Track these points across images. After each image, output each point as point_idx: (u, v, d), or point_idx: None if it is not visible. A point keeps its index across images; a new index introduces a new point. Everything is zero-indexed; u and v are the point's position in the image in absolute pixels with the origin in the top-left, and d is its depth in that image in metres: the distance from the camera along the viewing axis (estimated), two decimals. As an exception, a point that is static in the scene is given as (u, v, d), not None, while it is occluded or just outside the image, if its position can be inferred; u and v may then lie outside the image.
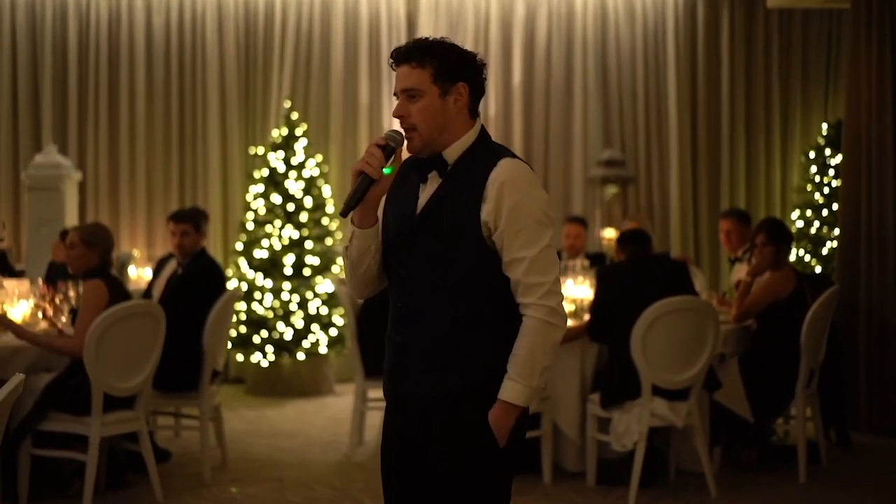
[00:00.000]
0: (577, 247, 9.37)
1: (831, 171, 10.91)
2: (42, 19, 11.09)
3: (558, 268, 3.29)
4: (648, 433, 6.49)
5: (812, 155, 11.16)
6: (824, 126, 11.22)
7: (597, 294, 6.80)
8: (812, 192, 11.04)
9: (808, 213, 10.81)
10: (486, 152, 3.29)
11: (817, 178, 11.07)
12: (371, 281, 3.49)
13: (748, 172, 11.40)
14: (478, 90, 3.32)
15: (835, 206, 10.79)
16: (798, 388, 7.04)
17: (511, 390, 3.20)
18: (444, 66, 3.24)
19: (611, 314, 6.64)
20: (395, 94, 3.31)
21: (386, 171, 3.25)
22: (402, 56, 3.26)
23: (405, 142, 3.29)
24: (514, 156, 3.30)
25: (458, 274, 3.24)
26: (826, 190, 10.98)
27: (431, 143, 3.28)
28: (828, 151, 11.00)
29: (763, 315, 7.12)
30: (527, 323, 3.21)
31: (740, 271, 8.06)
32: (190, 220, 7.50)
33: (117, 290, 6.42)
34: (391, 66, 3.32)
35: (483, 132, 3.36)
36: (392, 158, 3.27)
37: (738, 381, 7.01)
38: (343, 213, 3.24)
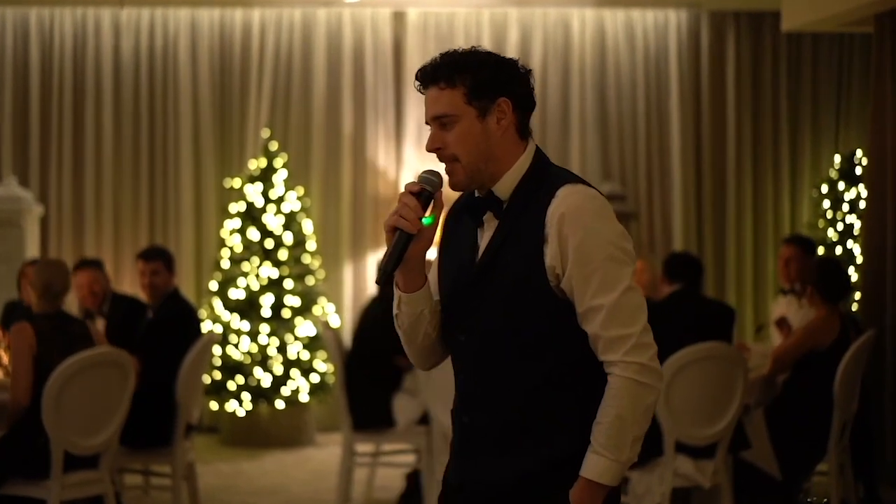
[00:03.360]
0: None
1: (845, 206, 10.45)
2: (1, 40, 10.50)
3: (646, 314, 2.72)
4: (672, 494, 5.96)
5: (824, 189, 10.68)
6: (837, 158, 10.74)
7: None
8: (825, 229, 10.57)
9: (821, 250, 10.31)
10: (545, 180, 2.78)
11: (830, 214, 10.59)
12: (433, 350, 2.98)
13: (755, 207, 10.90)
14: (524, 104, 2.83)
15: (849, 244, 10.32)
16: (831, 442, 6.52)
17: (595, 466, 2.68)
18: (478, 82, 2.75)
19: None
20: (426, 123, 2.83)
21: (425, 221, 2.79)
22: (427, 76, 2.79)
23: (444, 180, 2.81)
24: (577, 180, 2.79)
25: (527, 334, 2.74)
26: (840, 226, 10.50)
27: (477, 177, 2.80)
28: (841, 185, 10.52)
29: (796, 362, 6.60)
30: (612, 384, 2.69)
31: (786, 306, 7.51)
32: (161, 257, 7.00)
33: (48, 334, 5.78)
34: (418, 90, 2.84)
35: (539, 155, 2.87)
36: (431, 205, 2.80)
37: (764, 434, 6.51)
38: (378, 281, 2.79)
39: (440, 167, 2.86)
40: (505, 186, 2.81)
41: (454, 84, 2.76)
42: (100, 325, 7.15)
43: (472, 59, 2.77)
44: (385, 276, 2.79)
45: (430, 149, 2.82)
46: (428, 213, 2.80)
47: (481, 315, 2.80)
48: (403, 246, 2.77)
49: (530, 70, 2.86)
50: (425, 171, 2.82)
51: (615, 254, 2.69)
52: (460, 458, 2.92)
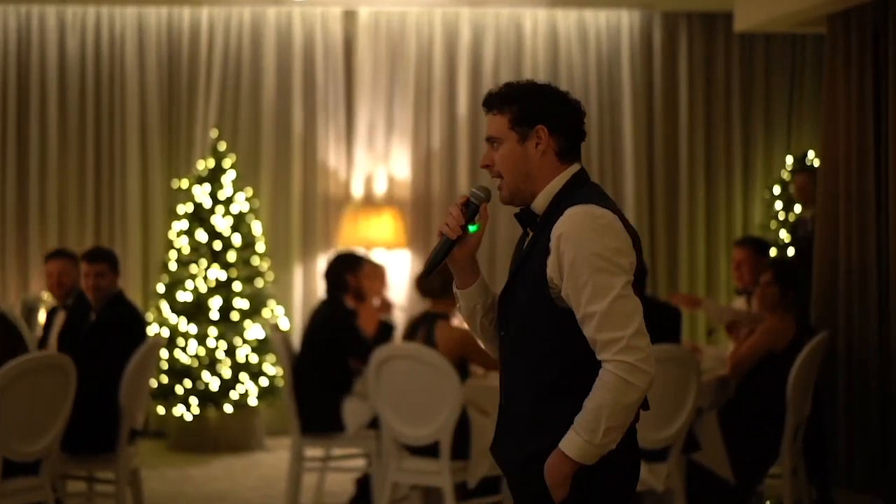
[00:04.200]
0: None
1: (797, 208, 10.43)
2: (-59, 39, 10.30)
3: (639, 319, 3.03)
4: None
5: (777, 190, 10.66)
6: (789, 159, 10.72)
7: None
8: (777, 230, 10.55)
9: (773, 251, 10.28)
10: (567, 200, 3.12)
11: (782, 216, 10.56)
12: (492, 339, 3.39)
13: (708, 208, 10.87)
14: (563, 130, 3.18)
15: (802, 245, 10.32)
16: (784, 445, 6.50)
17: (570, 442, 3.02)
18: (522, 111, 3.16)
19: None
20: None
21: (471, 228, 3.22)
22: (486, 103, 3.25)
23: (491, 195, 3.24)
24: (591, 200, 3.09)
25: (537, 338, 3.15)
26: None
27: (518, 193, 3.20)
28: (793, 187, 10.49)
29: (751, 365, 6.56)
30: (601, 377, 3.02)
31: (739, 307, 7.47)
32: (106, 259, 6.83)
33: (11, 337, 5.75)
34: (485, 113, 3.28)
35: (576, 176, 3.21)
36: (477, 216, 3.21)
37: (717, 437, 6.46)
38: (421, 277, 3.49)
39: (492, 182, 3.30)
40: (539, 203, 3.19)
41: (503, 111, 3.17)
42: (61, 319, 7.03)
43: (520, 91, 3.18)
44: (427, 273, 3.28)
45: (482, 165, 3.25)
46: (476, 220, 3.21)
47: (509, 318, 3.24)
48: (447, 249, 3.23)
49: (577, 102, 3.23)
50: (476, 186, 3.22)
51: (603, 265, 2.98)
52: (496, 434, 3.32)
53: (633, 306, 3.01)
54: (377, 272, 7.82)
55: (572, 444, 3.00)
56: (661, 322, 6.23)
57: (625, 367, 2.98)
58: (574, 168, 3.20)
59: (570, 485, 3.03)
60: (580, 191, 3.15)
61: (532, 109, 3.16)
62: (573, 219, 3.04)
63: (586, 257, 2.99)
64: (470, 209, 3.21)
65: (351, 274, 7.43)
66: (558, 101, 3.19)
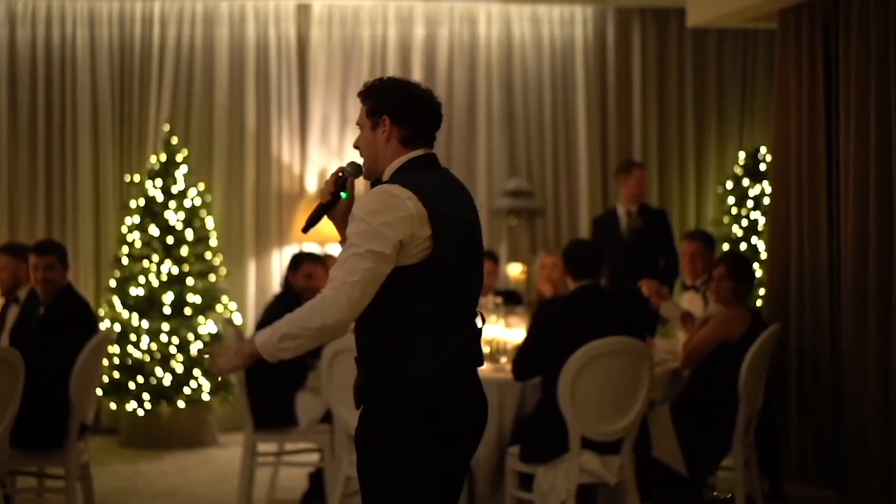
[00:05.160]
0: (488, 284, 8.72)
1: (750, 203, 10.50)
2: None
3: (363, 278, 3.52)
4: (577, 491, 5.86)
5: (729, 185, 10.71)
6: (741, 154, 10.78)
7: (532, 329, 6.10)
8: (729, 225, 10.61)
9: (726, 246, 10.34)
10: (394, 178, 3.66)
11: (734, 210, 10.62)
12: None
13: (661, 203, 10.88)
14: (405, 122, 3.70)
15: (754, 240, 10.38)
16: (736, 437, 6.50)
17: (262, 333, 3.61)
18: (374, 104, 3.73)
19: (543, 353, 5.96)
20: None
21: (343, 195, 3.84)
22: (358, 95, 3.83)
23: (360, 171, 3.85)
24: (396, 181, 3.62)
25: None
26: (745, 222, 10.55)
27: (371, 171, 3.79)
28: (745, 182, 10.57)
29: (705, 356, 6.56)
30: (311, 300, 3.60)
31: (690, 302, 7.47)
32: (55, 251, 6.74)
33: None
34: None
35: (412, 161, 3.70)
36: (346, 185, 3.85)
37: (670, 430, 6.46)
38: (303, 231, 3.86)
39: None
40: (383, 180, 3.73)
41: (364, 103, 3.76)
42: (14, 314, 6.98)
43: (376, 87, 3.76)
44: (305, 229, 3.83)
45: (354, 145, 3.84)
46: (346, 190, 3.85)
47: None
48: (322, 212, 3.84)
49: (427, 96, 3.74)
50: (349, 163, 3.86)
51: (363, 228, 3.53)
52: None
53: (361, 265, 3.51)
54: (328, 266, 7.78)
55: (262, 335, 3.59)
56: (619, 316, 6.20)
57: (325, 298, 3.51)
58: (415, 153, 3.71)
59: (239, 364, 3.68)
60: (408, 172, 3.66)
61: (381, 103, 3.71)
62: (371, 191, 3.63)
63: (357, 216, 3.57)
64: (341, 180, 3.85)
65: (290, 274, 7.44)
66: (404, 97, 3.71)
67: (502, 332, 6.92)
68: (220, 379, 3.84)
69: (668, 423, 6.46)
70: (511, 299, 8.32)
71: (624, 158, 10.25)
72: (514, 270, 9.86)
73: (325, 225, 10.28)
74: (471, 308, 3.77)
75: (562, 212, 10.89)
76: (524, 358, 6.04)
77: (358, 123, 3.79)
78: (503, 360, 6.71)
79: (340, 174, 3.84)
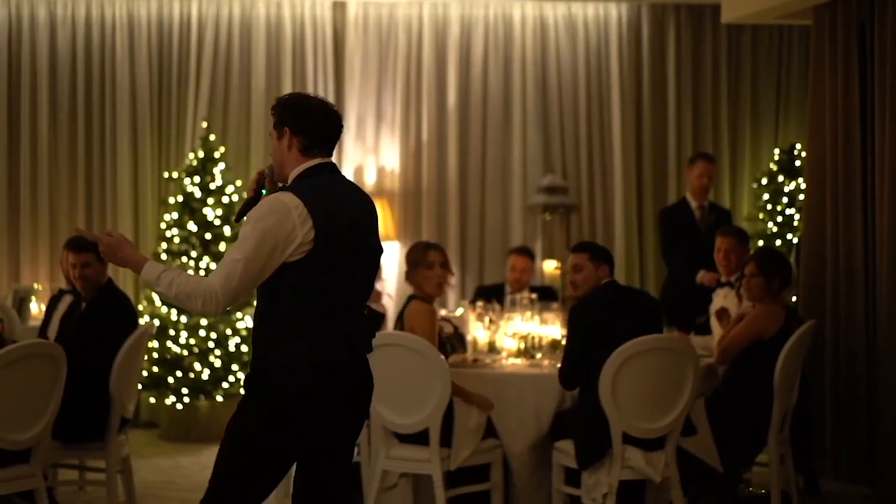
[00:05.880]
0: (524, 281, 8.76)
1: (785, 199, 10.46)
2: (-67, 34, 10.28)
3: (240, 280, 3.94)
4: (623, 489, 5.91)
5: (764, 182, 10.68)
6: (776, 151, 10.75)
7: (569, 337, 6.14)
8: (765, 221, 10.57)
9: (761, 243, 10.32)
10: (292, 185, 4.10)
11: (769, 207, 10.58)
12: None
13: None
14: (304, 133, 4.11)
15: (789, 236, 10.34)
16: (771, 433, 6.50)
17: (149, 270, 4.04)
18: (278, 116, 4.17)
19: (585, 358, 5.98)
20: None
21: (264, 192, 4.23)
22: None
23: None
24: (293, 189, 4.03)
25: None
26: (780, 218, 10.50)
27: (280, 176, 4.20)
28: (780, 178, 10.53)
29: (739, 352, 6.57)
30: (199, 277, 4.03)
31: (725, 298, 7.46)
32: (92, 248, 6.76)
33: None
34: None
35: (311, 169, 4.11)
36: (265, 184, 4.24)
37: (705, 425, 6.45)
38: (236, 220, 4.22)
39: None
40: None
41: (273, 115, 4.20)
42: (66, 303, 7.07)
43: (282, 101, 4.21)
44: (237, 220, 4.20)
45: (270, 153, 4.26)
46: (266, 188, 4.24)
47: None
48: (246, 206, 4.18)
49: (323, 108, 4.18)
50: (269, 165, 4.24)
51: (248, 231, 3.95)
52: None
53: (244, 269, 3.92)
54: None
55: (150, 272, 4.01)
56: (637, 310, 6.23)
57: (209, 291, 3.92)
58: (313, 162, 4.12)
59: (116, 255, 4.07)
60: (304, 180, 4.08)
61: (284, 116, 4.14)
62: (266, 198, 4.05)
63: (249, 219, 3.99)
64: (262, 180, 4.25)
65: None
66: (303, 110, 4.14)
67: (537, 328, 6.95)
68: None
69: (702, 419, 6.46)
70: (546, 295, 8.35)
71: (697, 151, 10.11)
72: (549, 266, 9.88)
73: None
74: (355, 302, 4.16)
75: (596, 208, 10.90)
76: (569, 367, 6.07)
77: (269, 134, 4.23)
78: (538, 355, 6.76)
79: (261, 175, 4.26)
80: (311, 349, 3.99)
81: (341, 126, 4.23)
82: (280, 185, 4.17)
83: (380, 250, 4.30)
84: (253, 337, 4.12)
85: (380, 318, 7.49)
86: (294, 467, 4.22)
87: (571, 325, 6.15)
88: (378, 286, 8.15)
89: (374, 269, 4.26)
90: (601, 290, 6.18)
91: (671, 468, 6.00)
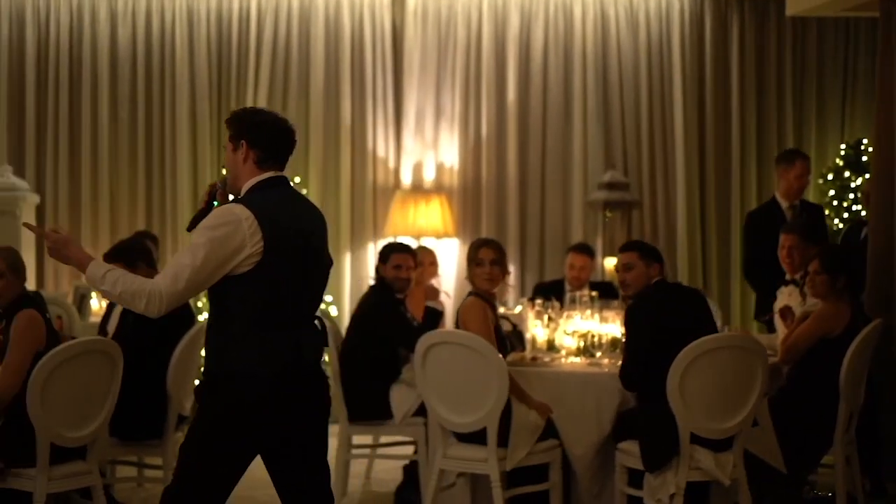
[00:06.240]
0: (583, 279, 8.65)
1: (851, 195, 10.28)
2: (-4, 29, 10.37)
3: (186, 283, 4.02)
4: (689, 490, 5.78)
5: (830, 177, 10.51)
6: (842, 146, 10.58)
7: (628, 339, 6.05)
8: (831, 217, 10.40)
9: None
10: (244, 197, 4.19)
11: (836, 203, 10.41)
12: None
13: (760, 196, 10.72)
14: (259, 146, 4.19)
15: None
16: (837, 434, 6.36)
17: (94, 269, 4.10)
18: (234, 129, 4.24)
19: (647, 359, 5.89)
20: None
21: (215, 203, 4.29)
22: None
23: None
24: (244, 202, 4.12)
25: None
26: (846, 214, 10.33)
27: (233, 188, 4.27)
28: (847, 173, 10.37)
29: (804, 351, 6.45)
30: (146, 279, 4.10)
31: (789, 297, 7.31)
32: (122, 258, 6.64)
33: (48, 324, 5.73)
34: None
35: (264, 181, 4.19)
36: (217, 196, 4.32)
37: (769, 426, 6.32)
38: (188, 230, 4.26)
39: None
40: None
41: (229, 127, 4.27)
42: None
43: (237, 115, 4.28)
44: (189, 230, 4.24)
45: (223, 166, 4.58)
46: (217, 199, 4.32)
47: None
48: (199, 216, 4.23)
49: (280, 121, 4.26)
50: (223, 177, 4.34)
51: (198, 237, 4.04)
52: None
53: (189, 276, 4.01)
54: (427, 258, 7.78)
55: (94, 271, 4.08)
56: (691, 308, 6.13)
57: (153, 292, 4.02)
58: (267, 175, 4.20)
59: (61, 253, 4.14)
60: (257, 192, 4.16)
61: (239, 129, 4.22)
62: (218, 208, 4.16)
63: (200, 227, 4.07)
64: (214, 192, 4.33)
65: (381, 265, 7.40)
66: (258, 124, 4.22)
67: (596, 326, 6.85)
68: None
69: (766, 419, 6.34)
70: (606, 291, 8.24)
71: (786, 148, 9.87)
72: (610, 264, 9.78)
73: (419, 217, 10.31)
74: (305, 313, 4.25)
75: (658, 204, 10.78)
76: (630, 368, 5.99)
77: (224, 146, 4.31)
78: (598, 354, 6.66)
79: (214, 187, 4.36)
80: (259, 358, 4.10)
81: (295, 141, 4.31)
82: (232, 197, 4.27)
83: (329, 263, 4.39)
84: (206, 346, 4.23)
85: (438, 315, 7.43)
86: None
87: (629, 325, 6.07)
88: (434, 283, 8.09)
89: (324, 281, 4.37)
90: (653, 290, 6.09)
91: (739, 469, 5.89)
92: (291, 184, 4.34)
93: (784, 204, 8.39)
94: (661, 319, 5.95)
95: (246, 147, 4.19)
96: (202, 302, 9.73)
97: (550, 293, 8.09)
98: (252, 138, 4.20)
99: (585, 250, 8.84)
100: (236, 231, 4.03)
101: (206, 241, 4.02)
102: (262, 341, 4.10)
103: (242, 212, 4.05)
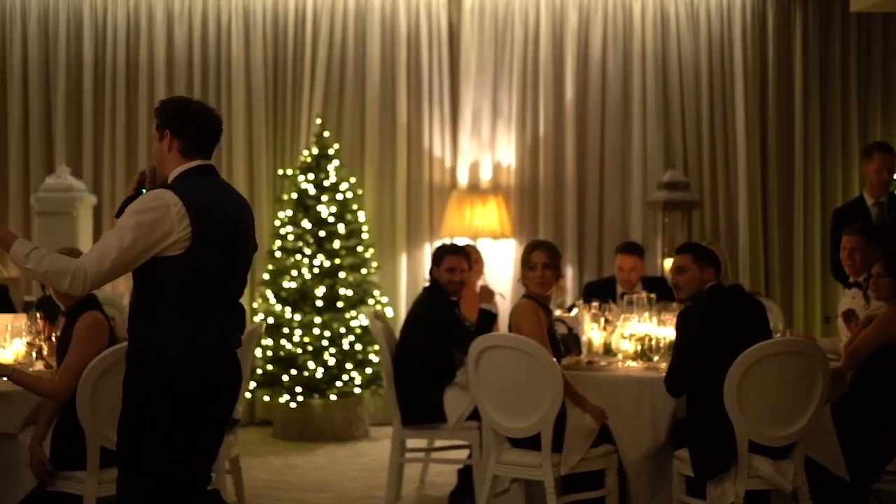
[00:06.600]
0: (633, 280, 8.52)
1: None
2: (55, 31, 10.40)
3: (112, 263, 4.15)
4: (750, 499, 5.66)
5: (896, 176, 10.28)
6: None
7: (680, 343, 5.91)
8: (896, 217, 10.17)
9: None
10: (172, 185, 4.29)
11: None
12: None
13: (824, 195, 10.55)
14: (184, 135, 4.32)
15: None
16: (902, 440, 6.19)
17: (19, 247, 4.19)
18: (160, 119, 4.38)
19: (697, 365, 5.75)
20: None
21: (144, 191, 4.37)
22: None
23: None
24: (172, 187, 4.24)
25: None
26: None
27: (160, 176, 4.40)
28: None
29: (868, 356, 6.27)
30: (69, 259, 4.20)
31: (853, 300, 7.12)
32: None
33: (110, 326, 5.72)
34: None
35: (190, 169, 4.31)
36: (146, 184, 4.42)
37: (832, 432, 6.16)
38: (116, 216, 4.35)
39: None
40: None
41: (156, 117, 4.41)
42: None
43: (164, 105, 4.42)
44: (116, 216, 4.33)
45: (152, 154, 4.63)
46: (146, 187, 4.40)
47: None
48: (126, 203, 4.32)
49: (205, 111, 4.42)
50: (151, 166, 4.43)
51: (123, 220, 4.18)
52: None
53: (115, 257, 4.13)
54: (472, 256, 7.68)
55: (19, 249, 4.17)
56: (747, 313, 5.98)
57: (78, 272, 4.11)
58: (193, 163, 4.32)
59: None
60: (183, 180, 4.28)
61: (165, 119, 4.34)
62: (147, 193, 4.28)
63: (128, 211, 4.20)
64: (143, 179, 4.43)
65: (434, 267, 7.32)
66: (183, 115, 4.34)
67: (655, 329, 6.71)
68: None
69: (829, 426, 6.19)
70: (660, 289, 8.11)
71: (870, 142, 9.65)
72: (669, 264, 9.62)
73: (475, 217, 10.20)
74: (229, 298, 4.37)
75: (719, 205, 10.60)
76: (676, 374, 5.85)
77: (152, 136, 4.50)
78: (656, 358, 6.52)
79: (143, 175, 4.45)
80: (186, 341, 4.20)
81: (221, 131, 4.44)
82: (160, 185, 4.36)
83: (254, 249, 4.53)
84: (131, 331, 4.31)
85: (492, 318, 7.33)
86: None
87: (680, 329, 5.92)
88: (485, 283, 8.00)
89: (247, 267, 4.48)
90: (708, 294, 5.95)
91: (800, 477, 5.75)
92: (218, 172, 4.46)
93: (869, 201, 8.19)
94: (716, 324, 5.82)
95: (170, 137, 4.32)
96: (258, 303, 9.72)
97: (602, 291, 8.00)
98: (176, 128, 4.32)
99: (634, 250, 8.68)
100: (164, 216, 4.15)
101: (135, 225, 4.13)
102: (190, 325, 4.21)
103: (171, 197, 4.18)
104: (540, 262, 6.31)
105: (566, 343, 6.88)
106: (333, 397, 9.44)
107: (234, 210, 4.37)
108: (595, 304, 7.10)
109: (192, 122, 4.35)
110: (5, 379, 5.49)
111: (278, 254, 9.69)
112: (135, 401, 4.27)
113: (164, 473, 4.25)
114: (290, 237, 9.67)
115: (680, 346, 5.89)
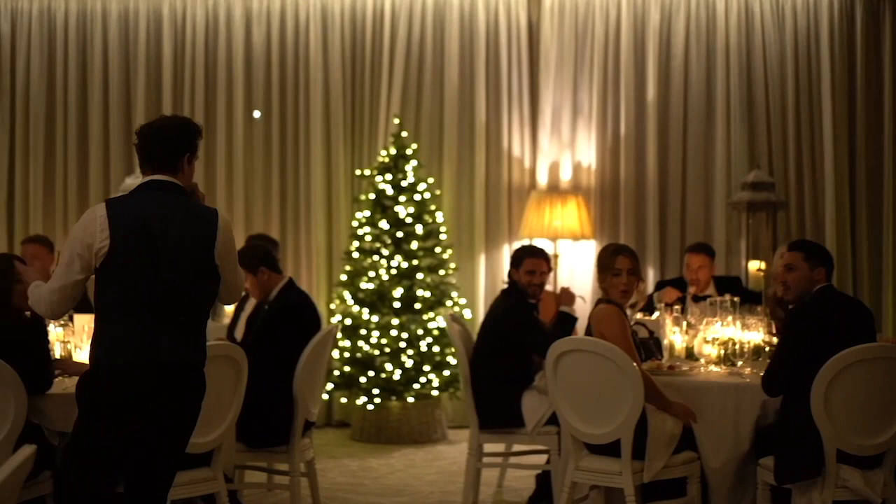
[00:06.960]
0: (702, 278, 8.39)
1: None
2: (135, 32, 10.45)
3: (62, 282, 4.42)
4: None
5: None
6: None
7: (788, 341, 5.69)
8: None
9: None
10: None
11: None
12: None
13: (911, 197, 10.27)
14: (140, 155, 4.55)
15: None
16: None
17: (34, 283, 4.59)
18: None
19: (800, 367, 5.56)
20: None
21: None
22: None
23: None
24: (106, 202, 4.45)
25: None
26: None
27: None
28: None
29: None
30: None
31: None
32: (246, 265, 6.48)
33: None
34: None
35: (138, 186, 4.51)
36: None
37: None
38: None
39: None
40: None
41: None
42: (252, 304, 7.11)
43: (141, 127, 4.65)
44: None
45: None
46: None
47: None
48: None
49: (148, 129, 4.57)
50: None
51: (68, 240, 4.45)
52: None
53: (62, 275, 4.40)
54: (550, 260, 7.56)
55: (34, 284, 4.58)
56: (857, 320, 5.75)
57: (42, 299, 4.46)
58: (146, 179, 4.50)
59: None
60: (130, 194, 4.56)
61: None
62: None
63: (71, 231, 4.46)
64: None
65: (513, 270, 7.20)
66: (141, 135, 4.53)
67: (738, 333, 6.53)
68: None
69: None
70: (731, 286, 7.91)
71: None
72: (753, 267, 9.41)
73: (555, 218, 10.07)
74: (161, 312, 4.38)
75: (805, 206, 10.35)
76: (777, 374, 5.62)
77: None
78: (739, 363, 6.34)
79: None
80: (104, 352, 4.35)
81: (168, 143, 4.48)
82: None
83: (208, 269, 4.50)
84: None
85: (572, 321, 7.20)
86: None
87: (790, 330, 5.68)
88: (562, 284, 7.88)
89: (186, 282, 4.43)
90: (822, 297, 5.71)
91: (891, 488, 5.54)
92: (174, 188, 4.49)
93: None
94: (828, 329, 5.57)
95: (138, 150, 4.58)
96: (335, 304, 9.67)
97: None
98: (137, 150, 4.57)
99: (703, 249, 8.64)
100: (90, 227, 4.36)
101: (69, 241, 4.42)
102: (110, 334, 4.36)
103: (100, 209, 4.40)
104: (625, 268, 6.12)
105: (647, 347, 6.73)
106: (411, 399, 9.37)
107: (170, 224, 4.40)
108: (677, 307, 6.95)
109: (142, 143, 4.54)
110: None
111: (356, 255, 9.64)
112: (79, 408, 4.46)
113: (77, 475, 4.42)
114: (368, 238, 9.61)
115: (787, 346, 5.65)
